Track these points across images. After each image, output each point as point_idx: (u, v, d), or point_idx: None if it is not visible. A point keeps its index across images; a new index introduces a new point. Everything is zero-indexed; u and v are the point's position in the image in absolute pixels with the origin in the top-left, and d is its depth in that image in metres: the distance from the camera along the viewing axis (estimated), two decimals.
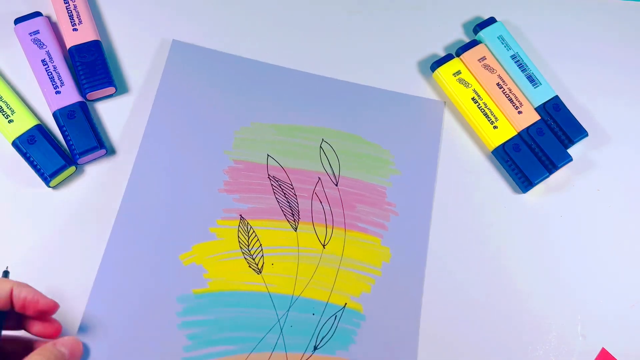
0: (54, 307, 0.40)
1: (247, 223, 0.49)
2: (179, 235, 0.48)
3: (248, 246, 0.48)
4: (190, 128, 0.51)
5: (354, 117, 0.53)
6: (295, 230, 0.49)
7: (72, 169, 0.49)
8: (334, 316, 0.47)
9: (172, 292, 0.46)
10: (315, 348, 0.46)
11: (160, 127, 0.51)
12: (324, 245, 0.49)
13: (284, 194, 0.50)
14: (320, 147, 0.52)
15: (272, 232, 0.49)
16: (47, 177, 0.47)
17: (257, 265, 0.48)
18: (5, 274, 0.41)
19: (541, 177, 0.51)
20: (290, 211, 0.50)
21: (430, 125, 0.54)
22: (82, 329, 0.44)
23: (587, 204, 0.52)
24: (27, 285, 0.39)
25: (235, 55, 0.54)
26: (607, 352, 0.48)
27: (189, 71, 0.53)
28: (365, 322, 0.47)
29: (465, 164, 0.53)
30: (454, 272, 0.49)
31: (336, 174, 0.51)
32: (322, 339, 0.46)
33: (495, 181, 0.53)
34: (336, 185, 0.51)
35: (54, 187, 0.49)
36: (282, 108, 0.53)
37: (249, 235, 0.48)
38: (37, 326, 0.41)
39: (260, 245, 0.48)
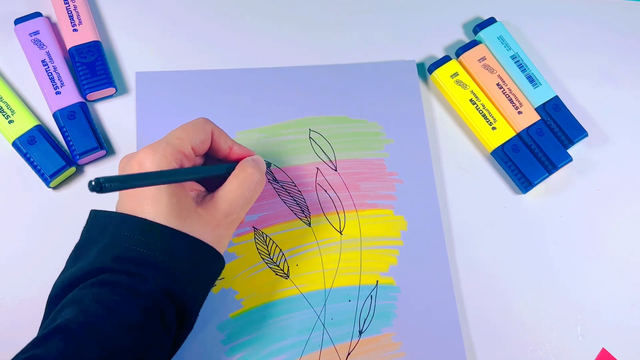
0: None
1: (262, 232, 0.49)
2: None
3: (269, 255, 0.48)
4: None
5: (333, 99, 0.54)
6: (310, 226, 0.49)
7: (72, 169, 0.49)
8: (370, 296, 0.48)
9: (211, 323, 0.46)
10: (360, 332, 0.47)
11: None
12: (340, 232, 0.49)
13: (289, 193, 0.50)
14: (310, 137, 0.52)
15: (288, 234, 0.49)
16: (48, 177, 0.47)
17: (283, 270, 0.48)
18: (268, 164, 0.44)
19: (541, 177, 0.51)
20: (300, 208, 0.50)
21: (407, 86, 0.55)
22: None
23: (587, 204, 0.52)
24: (242, 146, 0.43)
25: (203, 70, 0.53)
26: (607, 352, 0.48)
27: (162, 98, 0.52)
28: (401, 294, 0.48)
29: (464, 166, 0.53)
30: (452, 272, 0.49)
31: (332, 159, 0.52)
32: (365, 321, 0.47)
33: (495, 182, 0.53)
34: (335, 170, 0.51)
35: (54, 188, 0.49)
36: (262, 110, 0.53)
37: (267, 244, 0.49)
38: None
39: (281, 250, 0.48)
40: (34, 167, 0.48)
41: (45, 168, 0.47)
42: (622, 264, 0.51)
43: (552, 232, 0.51)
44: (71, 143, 0.48)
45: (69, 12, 0.53)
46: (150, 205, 0.37)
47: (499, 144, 0.52)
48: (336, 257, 0.49)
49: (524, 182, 0.51)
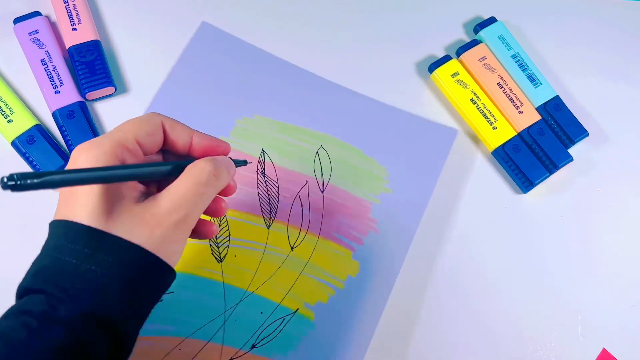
0: (228, 150, 0.38)
1: None
2: None
3: None
4: (194, 107, 0.52)
5: (357, 129, 0.53)
6: (268, 228, 0.49)
7: None
8: (282, 319, 0.46)
9: None
10: (253, 346, 0.45)
11: (167, 100, 0.52)
12: (292, 248, 0.48)
13: (267, 190, 0.50)
14: (317, 152, 0.52)
15: (244, 225, 0.48)
16: None
17: (219, 253, 0.47)
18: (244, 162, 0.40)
19: (542, 177, 0.51)
20: (269, 208, 0.49)
21: (435, 153, 0.52)
22: None
23: (588, 204, 0.52)
24: (205, 135, 0.37)
25: (255, 47, 0.55)
26: (608, 352, 0.48)
27: (209, 53, 0.54)
28: (314, 332, 0.46)
29: (465, 165, 0.53)
30: (454, 272, 0.49)
31: (325, 181, 0.51)
32: (263, 339, 0.46)
33: (495, 182, 0.53)
34: (322, 192, 0.50)
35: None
36: (287, 106, 0.53)
37: (220, 222, 0.48)
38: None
39: (229, 235, 0.48)
40: (33, 167, 0.48)
41: (44, 167, 0.47)
42: (622, 264, 0.51)
43: (553, 232, 0.51)
44: (70, 142, 0.48)
45: (69, 11, 0.53)
46: (79, 205, 0.31)
47: (500, 144, 0.52)
48: (274, 268, 0.48)
49: (524, 181, 0.51)
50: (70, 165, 0.32)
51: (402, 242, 0.49)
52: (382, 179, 0.51)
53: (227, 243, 0.48)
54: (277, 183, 0.50)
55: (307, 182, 0.51)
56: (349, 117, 0.53)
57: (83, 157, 0.31)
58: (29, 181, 0.26)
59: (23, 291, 0.31)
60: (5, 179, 0.25)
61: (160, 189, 0.35)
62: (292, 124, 0.52)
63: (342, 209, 0.50)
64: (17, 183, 0.26)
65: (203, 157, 0.36)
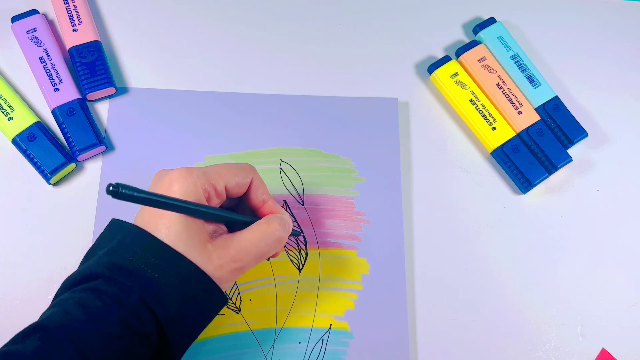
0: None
1: None
2: None
3: None
4: (142, 173, 0.48)
5: (309, 131, 0.52)
6: (268, 260, 0.48)
7: (72, 165, 0.48)
8: (321, 340, 0.46)
9: None
10: None
11: (112, 176, 0.49)
12: (300, 270, 0.48)
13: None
14: (280, 168, 0.51)
15: None
16: (48, 174, 0.47)
17: (235, 304, 0.46)
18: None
19: (541, 177, 0.51)
20: None
21: (386, 124, 0.52)
22: None
23: (587, 204, 0.52)
24: (277, 204, 0.42)
25: (179, 90, 0.52)
26: (607, 352, 0.48)
27: (133, 116, 0.51)
28: (354, 340, 0.46)
29: (464, 166, 0.53)
30: (455, 273, 0.49)
31: (300, 193, 0.50)
32: None
33: (494, 182, 0.53)
34: (302, 205, 0.50)
35: (55, 184, 0.48)
36: (235, 136, 0.51)
37: None
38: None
39: (235, 283, 0.47)
40: (34, 164, 0.47)
41: (45, 164, 0.47)
42: (622, 264, 0.51)
43: (552, 232, 0.51)
44: (70, 139, 0.48)
45: (69, 12, 0.53)
46: (164, 225, 0.36)
47: (499, 144, 0.52)
48: (292, 296, 0.47)
49: (523, 182, 0.51)
50: (166, 186, 0.37)
51: (394, 222, 0.49)
52: (351, 169, 0.51)
53: (238, 291, 0.47)
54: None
55: (284, 201, 0.50)
56: (295, 122, 0.52)
57: (178, 184, 0.37)
58: (135, 194, 0.31)
59: (92, 276, 0.35)
60: (111, 188, 0.29)
61: (229, 228, 0.40)
62: (245, 151, 0.51)
63: (328, 214, 0.49)
64: (120, 192, 0.30)
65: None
